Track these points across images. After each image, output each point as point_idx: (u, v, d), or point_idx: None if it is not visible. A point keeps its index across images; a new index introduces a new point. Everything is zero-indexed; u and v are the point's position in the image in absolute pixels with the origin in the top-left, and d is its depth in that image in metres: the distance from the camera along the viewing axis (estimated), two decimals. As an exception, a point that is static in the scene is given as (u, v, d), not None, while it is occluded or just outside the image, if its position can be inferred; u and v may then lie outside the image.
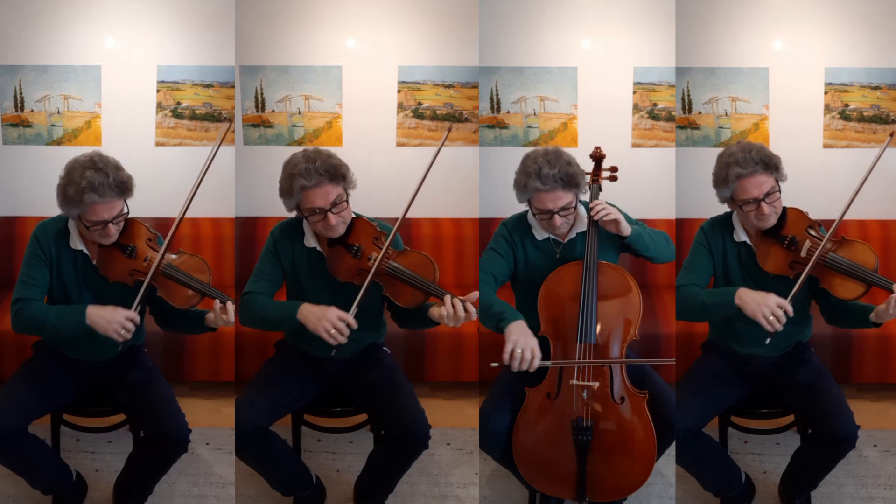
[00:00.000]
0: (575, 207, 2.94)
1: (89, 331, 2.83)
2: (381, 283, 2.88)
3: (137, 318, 2.83)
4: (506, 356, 2.75)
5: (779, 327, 2.79)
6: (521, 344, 2.75)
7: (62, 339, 2.96)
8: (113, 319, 2.79)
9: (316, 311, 2.84)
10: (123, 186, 2.79)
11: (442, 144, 2.96)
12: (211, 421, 3.79)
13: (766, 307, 2.79)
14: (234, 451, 2.95)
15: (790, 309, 2.79)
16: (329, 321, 2.81)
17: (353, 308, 2.84)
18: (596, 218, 2.92)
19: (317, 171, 2.82)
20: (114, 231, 2.82)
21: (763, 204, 2.84)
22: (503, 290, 3.20)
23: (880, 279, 2.79)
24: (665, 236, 3.05)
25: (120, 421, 3.19)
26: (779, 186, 2.88)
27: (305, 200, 2.86)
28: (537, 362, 2.75)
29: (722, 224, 3.04)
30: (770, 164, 2.86)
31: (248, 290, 3.01)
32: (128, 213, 2.86)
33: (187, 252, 2.94)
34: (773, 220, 2.89)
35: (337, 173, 2.85)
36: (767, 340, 2.84)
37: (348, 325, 2.82)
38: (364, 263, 2.88)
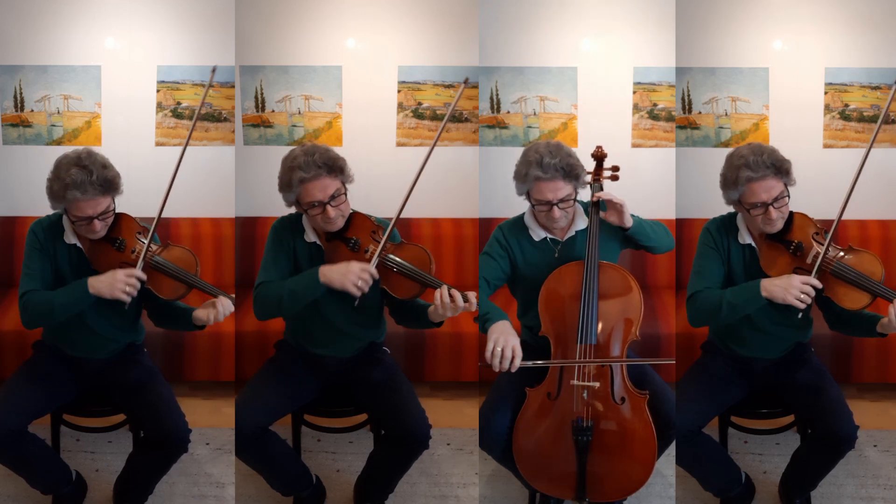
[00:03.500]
0: (574, 201, 2.94)
1: (95, 302, 2.86)
2: (378, 274, 2.89)
3: (140, 274, 2.84)
4: (487, 354, 2.73)
5: (809, 301, 2.78)
6: (502, 343, 2.72)
7: (67, 324, 2.96)
8: (115, 280, 2.82)
9: (338, 268, 2.84)
10: (108, 184, 2.82)
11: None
12: (211, 421, 3.79)
13: (794, 289, 2.77)
14: (234, 451, 2.95)
15: (817, 282, 2.77)
16: (354, 273, 2.81)
17: (356, 302, 2.85)
18: (598, 198, 2.90)
19: (315, 163, 2.84)
20: (99, 227, 2.86)
21: (771, 209, 2.81)
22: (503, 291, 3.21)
23: (888, 291, 2.75)
24: (664, 226, 3.06)
25: (120, 421, 3.19)
26: (787, 191, 2.85)
27: (304, 194, 2.87)
28: (518, 362, 2.72)
29: (727, 225, 3.01)
30: (781, 169, 2.82)
31: (260, 280, 2.99)
32: (114, 209, 2.89)
33: (177, 245, 2.98)
34: (779, 225, 2.86)
35: (335, 166, 2.88)
36: (800, 315, 2.82)
37: (371, 276, 2.82)
38: (361, 256, 2.89)
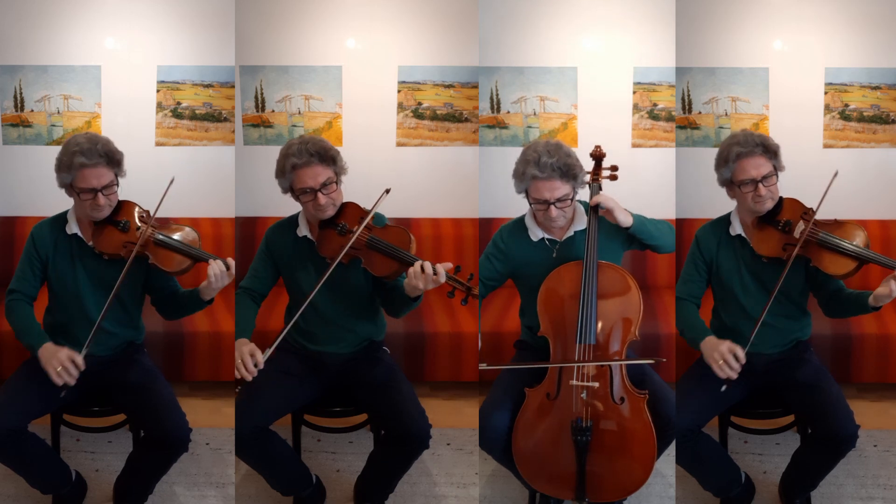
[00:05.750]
0: (572, 200, 2.94)
1: (94, 294, 3.01)
2: (360, 255, 2.96)
3: (80, 361, 2.87)
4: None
5: (731, 374, 2.85)
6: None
7: (67, 318, 3.05)
8: (53, 356, 2.87)
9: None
10: (111, 155, 2.94)
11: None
12: (211, 421, 3.79)
13: (717, 352, 2.87)
14: (234, 451, 2.95)
15: (741, 355, 2.85)
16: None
17: (324, 278, 2.92)
18: (593, 203, 2.93)
19: (307, 151, 2.94)
20: (103, 202, 2.94)
21: (760, 186, 2.92)
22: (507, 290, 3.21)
23: (871, 254, 2.85)
24: (668, 225, 3.07)
25: (120, 421, 3.20)
26: (776, 174, 2.96)
27: (296, 180, 2.96)
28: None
29: (716, 224, 3.11)
30: (769, 149, 2.96)
31: (242, 285, 3.14)
32: (117, 187, 2.98)
33: (178, 224, 3.08)
34: (769, 205, 2.96)
35: (327, 155, 2.97)
36: (723, 388, 2.89)
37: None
38: (347, 239, 2.97)
